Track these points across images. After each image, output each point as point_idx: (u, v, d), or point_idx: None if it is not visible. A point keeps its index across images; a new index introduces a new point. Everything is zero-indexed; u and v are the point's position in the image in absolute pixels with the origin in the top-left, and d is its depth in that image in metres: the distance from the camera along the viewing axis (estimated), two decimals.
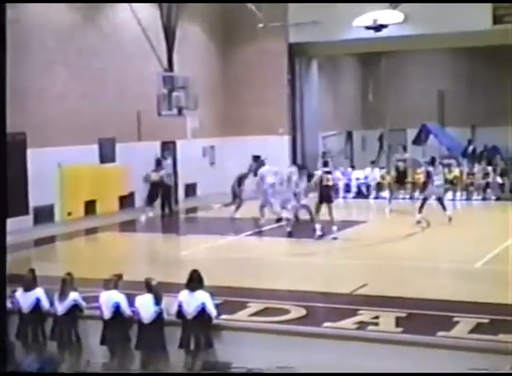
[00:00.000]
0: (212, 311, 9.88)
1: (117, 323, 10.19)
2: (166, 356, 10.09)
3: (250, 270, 13.87)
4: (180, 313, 9.92)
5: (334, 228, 16.66)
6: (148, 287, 10.11)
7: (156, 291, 10.06)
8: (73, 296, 10.50)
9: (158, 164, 21.90)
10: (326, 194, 16.75)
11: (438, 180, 18.96)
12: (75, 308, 10.52)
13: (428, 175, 19.22)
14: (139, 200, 23.20)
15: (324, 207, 16.74)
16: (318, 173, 17.11)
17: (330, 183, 16.98)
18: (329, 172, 17.19)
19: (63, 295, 10.49)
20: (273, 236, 17.42)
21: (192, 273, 10.08)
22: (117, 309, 10.18)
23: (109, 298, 10.25)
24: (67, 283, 10.54)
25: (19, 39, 19.28)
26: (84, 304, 10.58)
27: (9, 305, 10.85)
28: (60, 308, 10.48)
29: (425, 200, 18.95)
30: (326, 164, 18.29)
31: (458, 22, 23.61)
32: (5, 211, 6.52)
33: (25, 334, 10.69)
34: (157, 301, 10.00)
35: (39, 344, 10.70)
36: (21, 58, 19.37)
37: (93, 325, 10.52)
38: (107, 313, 10.23)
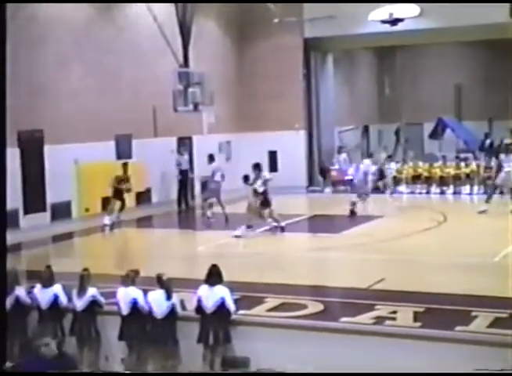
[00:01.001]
0: (231, 306, 9.89)
1: (135, 319, 10.23)
2: (182, 351, 10.11)
3: (267, 265, 13.89)
4: (199, 308, 9.94)
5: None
6: (159, 282, 10.15)
7: (168, 286, 10.09)
8: (92, 292, 10.55)
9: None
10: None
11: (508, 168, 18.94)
12: (94, 304, 10.57)
13: (500, 163, 19.14)
14: (156, 196, 23.28)
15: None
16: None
17: (261, 190, 17.18)
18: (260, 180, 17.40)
19: (81, 291, 10.53)
20: (289, 232, 17.40)
21: (211, 268, 10.09)
22: (134, 304, 10.22)
23: (127, 294, 10.29)
24: (85, 279, 10.58)
25: (35, 36, 19.38)
26: (102, 300, 10.61)
27: (27, 300, 10.93)
28: (79, 304, 10.53)
29: (495, 189, 18.90)
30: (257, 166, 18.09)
31: (474, 15, 23.46)
32: (4, 211, 6.58)
33: (44, 330, 10.73)
34: (169, 297, 10.03)
35: (58, 340, 10.74)
36: (37, 55, 19.47)
37: (111, 320, 10.56)
38: (125, 309, 10.28)
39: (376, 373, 8.97)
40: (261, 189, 17.05)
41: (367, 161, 22.02)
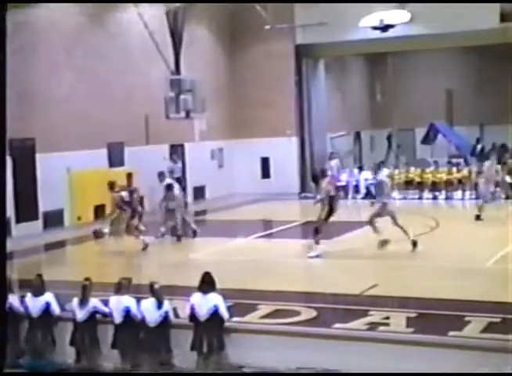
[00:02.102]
0: (224, 313, 9.89)
1: (129, 328, 10.20)
2: (176, 359, 10.09)
3: (260, 272, 13.86)
4: (192, 316, 9.93)
5: None
6: (151, 290, 10.14)
7: (159, 294, 10.09)
8: (94, 303, 10.46)
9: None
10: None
11: None
12: (95, 314, 10.49)
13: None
14: (148, 204, 23.22)
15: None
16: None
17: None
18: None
19: (83, 301, 10.44)
20: (282, 238, 17.39)
21: (204, 276, 10.09)
22: (127, 313, 10.19)
23: (120, 303, 10.26)
24: (87, 289, 10.50)
25: (25, 43, 19.35)
26: (106, 309, 10.45)
27: (20, 309, 10.89)
28: (80, 314, 10.44)
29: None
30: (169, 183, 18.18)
31: (465, 21, 23.57)
32: (4, 211, 6.57)
33: (34, 338, 10.70)
34: (160, 305, 10.02)
35: (48, 348, 10.71)
36: (28, 62, 19.45)
37: (103, 329, 10.54)
38: (118, 318, 10.24)
39: (375, 373, 8.96)
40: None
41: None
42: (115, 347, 10.29)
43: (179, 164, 23.26)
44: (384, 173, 17.72)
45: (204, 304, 9.84)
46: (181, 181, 22.71)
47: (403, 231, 15.00)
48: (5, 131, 6.84)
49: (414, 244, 14.90)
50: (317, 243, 14.97)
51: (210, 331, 9.78)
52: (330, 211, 15.10)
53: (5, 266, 9.61)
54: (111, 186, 16.78)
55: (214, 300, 9.86)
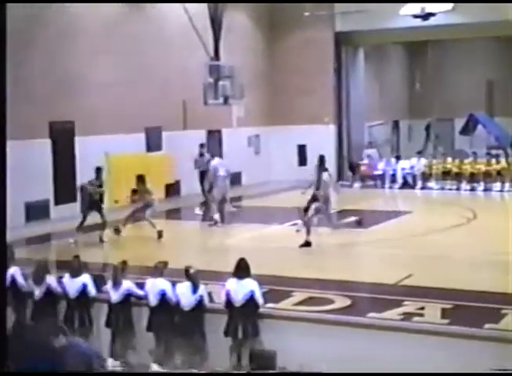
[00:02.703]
0: (260, 299, 9.92)
1: (164, 311, 10.29)
2: (210, 344, 10.15)
3: (294, 260, 13.88)
4: (228, 302, 9.97)
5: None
6: (187, 275, 10.20)
7: (194, 279, 10.14)
8: (127, 285, 10.57)
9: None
10: None
11: None
12: (129, 296, 10.58)
13: None
14: (185, 188, 23.36)
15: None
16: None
17: None
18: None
19: (116, 283, 10.56)
20: (317, 226, 17.35)
21: (239, 262, 10.14)
22: (162, 296, 10.28)
23: (155, 286, 10.35)
24: (119, 272, 10.61)
25: (66, 29, 19.51)
26: (140, 292, 10.52)
27: (58, 289, 11.05)
28: (114, 296, 10.57)
29: None
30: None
31: (506, 10, 23.22)
32: (4, 206, 6.68)
33: (71, 319, 10.85)
34: (195, 289, 10.08)
35: (85, 329, 10.85)
36: (69, 47, 19.61)
37: (139, 312, 10.64)
38: (154, 301, 10.34)
39: (378, 373, 8.92)
40: None
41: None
42: (150, 330, 10.40)
43: (207, 157, 20.04)
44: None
45: (240, 290, 9.89)
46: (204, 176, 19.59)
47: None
48: (5, 127, 6.97)
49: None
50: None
51: (245, 317, 9.83)
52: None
53: (5, 266, 9.70)
54: (139, 179, 16.77)
55: (250, 286, 9.90)
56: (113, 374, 9.37)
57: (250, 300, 9.85)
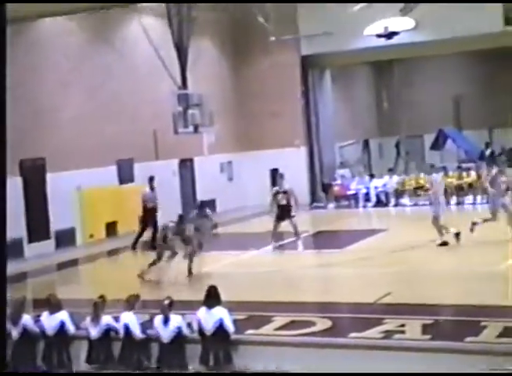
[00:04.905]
0: (230, 327, 9.89)
1: (133, 344, 10.21)
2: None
3: (274, 284, 13.84)
4: (200, 331, 9.96)
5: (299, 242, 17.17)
6: (160, 307, 10.19)
7: (163, 310, 10.10)
8: (106, 320, 10.47)
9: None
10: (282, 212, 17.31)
11: None
12: (109, 331, 10.50)
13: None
14: (159, 219, 23.22)
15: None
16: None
17: (284, 203, 17.47)
18: (284, 192, 17.66)
19: (95, 319, 10.47)
20: (294, 249, 17.36)
21: (209, 289, 10.15)
22: (127, 329, 10.22)
23: (123, 320, 10.31)
24: (99, 307, 10.52)
25: (34, 62, 19.45)
26: (117, 327, 10.44)
27: (35, 329, 10.90)
28: (94, 332, 10.46)
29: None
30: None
31: (469, 25, 23.54)
32: (4, 216, 6.62)
33: (50, 357, 10.70)
34: (166, 321, 10.03)
35: (65, 367, 10.71)
36: (38, 81, 19.55)
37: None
38: (123, 334, 10.28)
39: (376, 373, 8.92)
40: None
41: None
42: (120, 363, 10.29)
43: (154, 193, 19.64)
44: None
45: (209, 318, 9.89)
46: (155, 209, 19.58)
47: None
48: (5, 130, 6.93)
49: None
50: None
51: (216, 345, 9.81)
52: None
53: (5, 266, 9.60)
54: None
55: (219, 314, 9.89)
56: (113, 374, 9.29)
57: (220, 328, 9.82)
